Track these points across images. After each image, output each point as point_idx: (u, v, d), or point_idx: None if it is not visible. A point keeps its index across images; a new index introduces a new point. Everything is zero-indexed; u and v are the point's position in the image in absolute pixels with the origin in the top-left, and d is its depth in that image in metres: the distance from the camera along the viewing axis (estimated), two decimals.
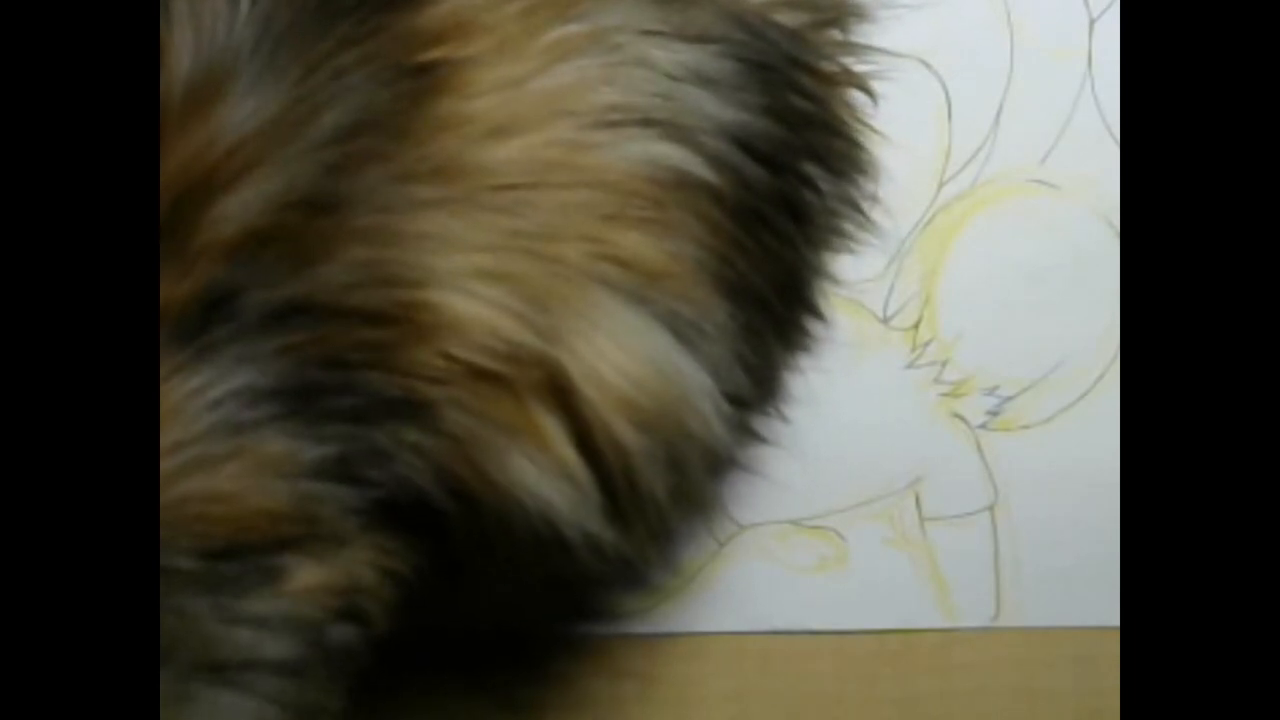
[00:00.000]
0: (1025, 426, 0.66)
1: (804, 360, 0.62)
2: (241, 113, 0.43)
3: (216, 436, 0.43)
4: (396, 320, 0.45)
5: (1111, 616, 0.65)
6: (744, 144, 0.49)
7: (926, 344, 0.66)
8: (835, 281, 0.59)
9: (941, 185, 0.66)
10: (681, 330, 0.48)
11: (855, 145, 0.55)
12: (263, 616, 0.45)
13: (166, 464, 0.43)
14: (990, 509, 0.66)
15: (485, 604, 0.56)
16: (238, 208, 0.43)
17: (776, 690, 0.65)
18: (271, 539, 0.44)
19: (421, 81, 0.45)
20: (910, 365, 0.66)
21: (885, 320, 0.66)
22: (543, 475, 0.46)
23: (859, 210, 0.55)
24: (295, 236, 0.44)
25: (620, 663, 0.65)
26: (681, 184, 0.47)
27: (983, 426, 0.66)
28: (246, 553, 0.44)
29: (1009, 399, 0.66)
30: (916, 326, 0.66)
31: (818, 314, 0.57)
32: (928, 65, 0.66)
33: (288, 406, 0.44)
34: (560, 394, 0.46)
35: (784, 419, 0.62)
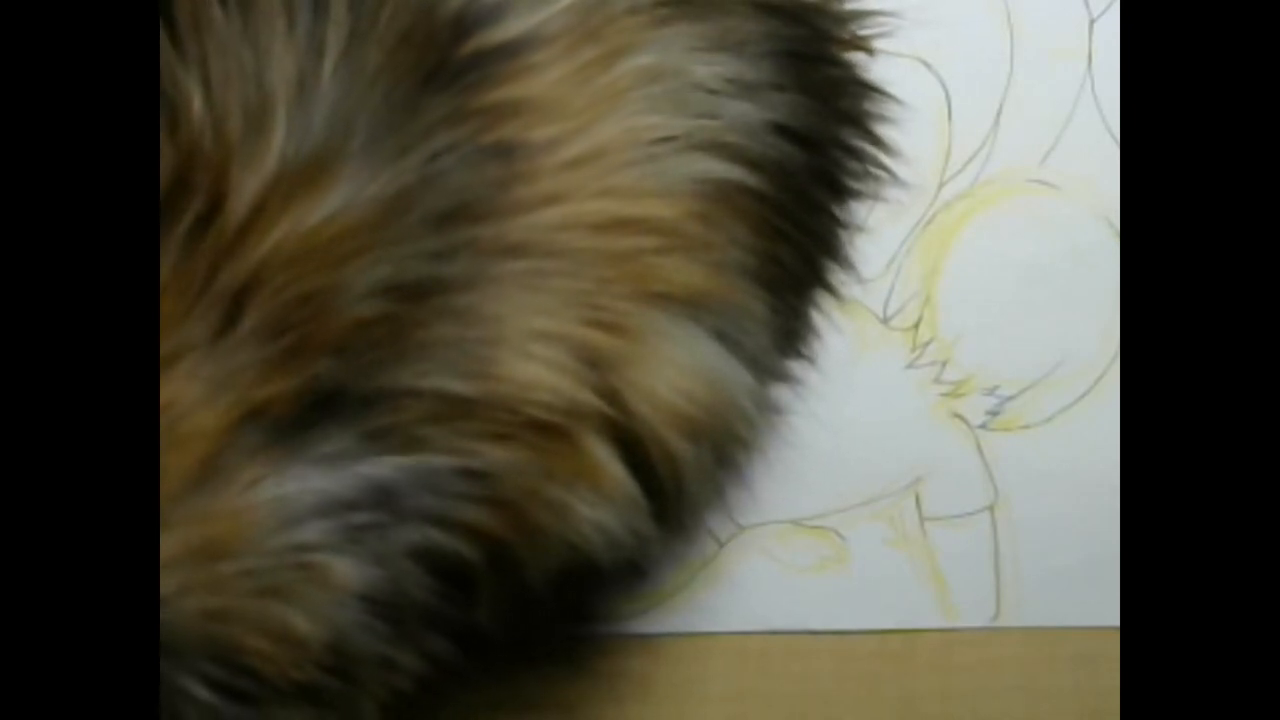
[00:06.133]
0: (1025, 426, 0.66)
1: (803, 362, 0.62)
2: (349, 199, 0.44)
3: (286, 560, 0.44)
4: (469, 391, 0.45)
5: (1111, 616, 0.65)
6: (784, 131, 0.50)
7: (926, 344, 0.66)
8: (861, 230, 0.61)
9: (941, 185, 0.66)
10: (726, 334, 0.49)
11: (878, 100, 0.56)
12: None
13: (234, 580, 0.43)
14: (990, 509, 0.66)
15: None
16: (350, 298, 0.44)
17: (776, 690, 0.65)
18: (289, 676, 0.45)
19: (500, 162, 0.45)
20: (910, 365, 0.66)
21: (885, 320, 0.66)
22: (601, 511, 0.48)
23: (883, 165, 0.56)
24: (397, 323, 0.44)
25: (620, 663, 0.65)
26: (725, 193, 0.48)
27: (983, 426, 0.66)
28: (262, 690, 0.45)
29: (1009, 399, 0.66)
30: (916, 326, 0.66)
31: (847, 265, 0.58)
32: (928, 65, 0.66)
33: (363, 518, 0.45)
34: (614, 422, 0.47)
35: (809, 360, 0.62)
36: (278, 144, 0.44)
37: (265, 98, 0.44)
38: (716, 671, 0.65)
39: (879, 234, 0.65)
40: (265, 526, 0.44)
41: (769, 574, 0.65)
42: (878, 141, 0.56)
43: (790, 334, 0.55)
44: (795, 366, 0.60)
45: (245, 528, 0.43)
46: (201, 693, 0.44)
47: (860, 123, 0.55)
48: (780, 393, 0.61)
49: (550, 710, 0.64)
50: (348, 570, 0.45)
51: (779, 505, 0.66)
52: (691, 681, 0.65)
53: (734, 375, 0.49)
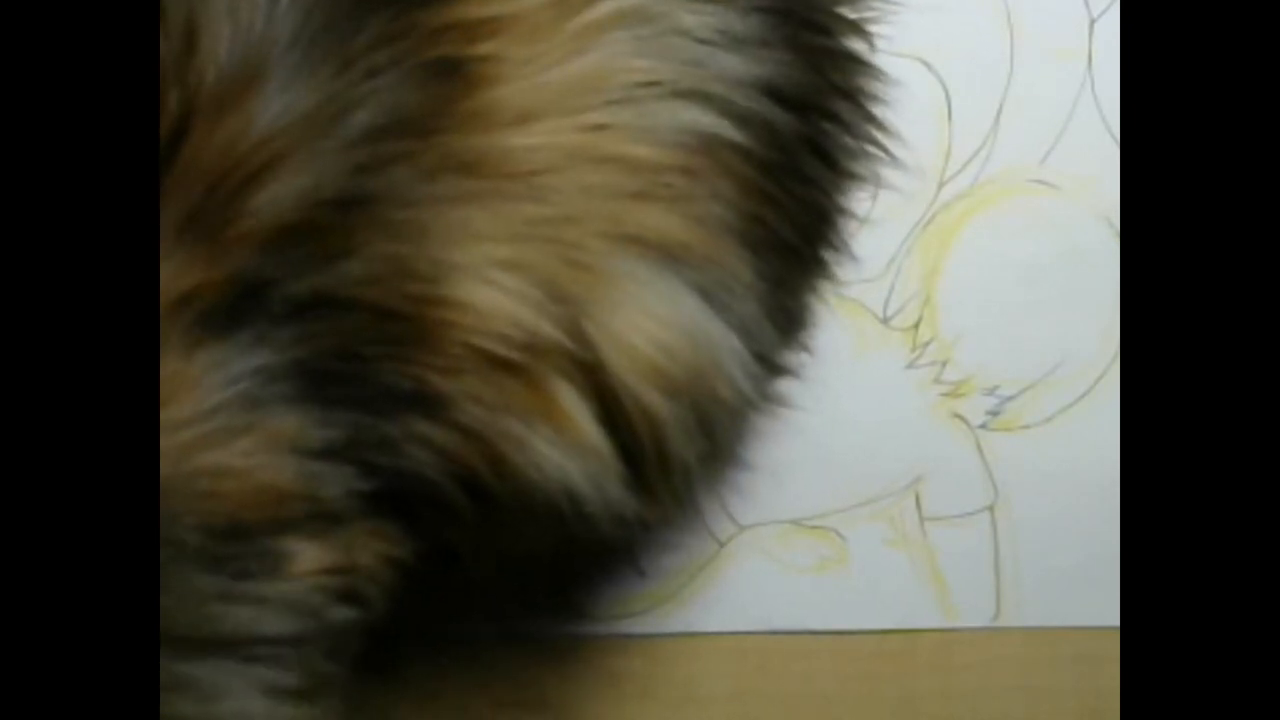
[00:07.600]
0: (1025, 426, 0.66)
1: (804, 358, 0.62)
2: (275, 107, 0.44)
3: (232, 411, 0.44)
4: (412, 315, 0.45)
5: (1111, 616, 0.65)
6: (773, 93, 0.49)
7: (926, 344, 0.66)
8: (860, 225, 0.60)
9: (941, 185, 0.66)
10: (710, 293, 0.48)
11: (874, 77, 0.55)
12: (263, 597, 0.45)
13: (181, 436, 0.43)
14: (990, 509, 0.66)
15: (485, 602, 0.56)
16: (269, 201, 0.44)
17: (776, 690, 0.65)
18: (274, 519, 0.45)
19: (451, 80, 0.45)
20: (910, 365, 0.66)
21: (885, 320, 0.66)
22: (564, 456, 0.47)
23: (880, 145, 0.56)
24: (322, 232, 0.44)
25: (620, 663, 0.65)
26: (711, 147, 0.47)
27: (983, 426, 0.66)
28: (249, 533, 0.45)
29: (1009, 399, 0.66)
30: (916, 326, 0.66)
31: (842, 250, 0.57)
32: (928, 65, 0.66)
33: (300, 389, 0.45)
34: (585, 370, 0.46)
35: (807, 350, 0.62)
36: (210, 58, 0.44)
37: (205, 12, 0.44)
38: (716, 671, 0.65)
39: (879, 234, 0.65)
40: (204, 385, 0.44)
41: (769, 574, 0.65)
42: (872, 119, 0.55)
43: (786, 313, 0.54)
44: (796, 357, 0.60)
45: (185, 381, 0.43)
46: (192, 537, 0.44)
47: (854, 97, 0.54)
48: (781, 384, 0.61)
49: (551, 710, 0.64)
50: (297, 423, 0.45)
51: (779, 505, 0.66)
52: (691, 681, 0.65)
53: (719, 336, 0.48)
